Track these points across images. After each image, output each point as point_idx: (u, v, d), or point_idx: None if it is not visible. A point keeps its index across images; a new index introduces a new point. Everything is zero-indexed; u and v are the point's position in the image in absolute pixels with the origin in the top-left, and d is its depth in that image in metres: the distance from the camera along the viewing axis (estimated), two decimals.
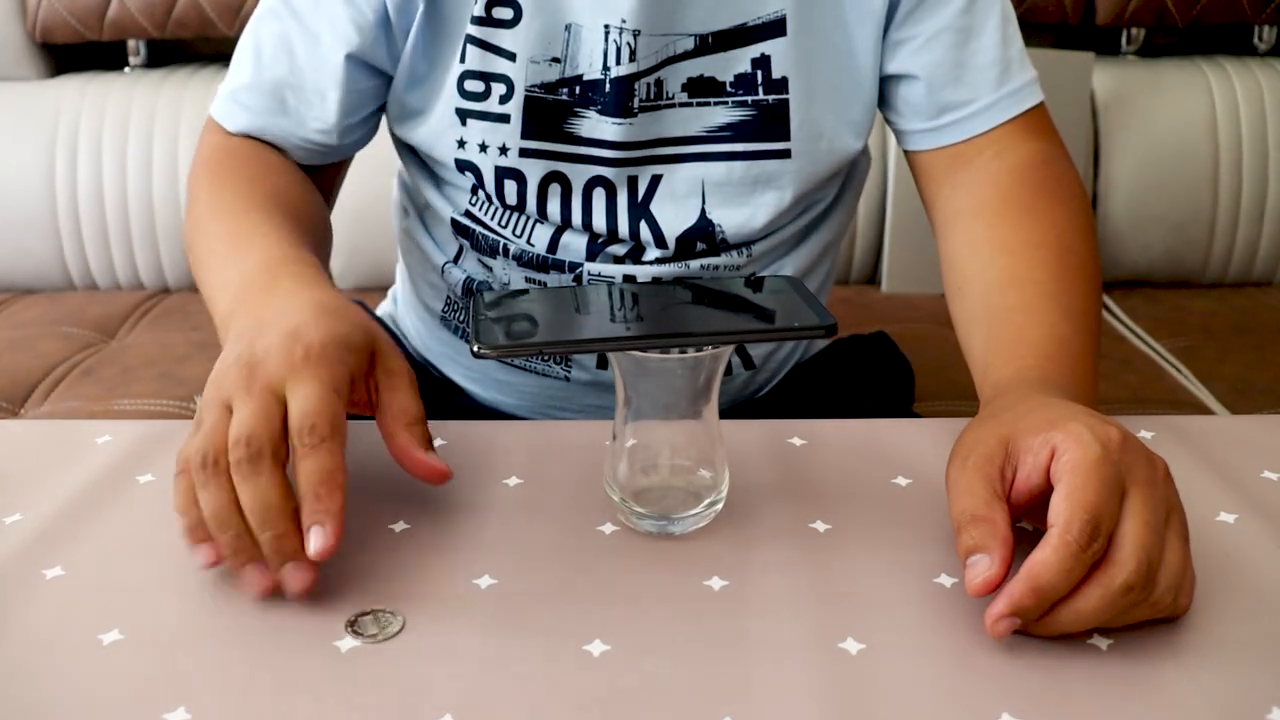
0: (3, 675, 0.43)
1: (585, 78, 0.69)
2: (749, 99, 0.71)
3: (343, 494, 0.46)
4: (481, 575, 0.49)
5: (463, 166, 0.73)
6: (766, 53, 0.70)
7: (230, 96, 0.74)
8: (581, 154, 0.71)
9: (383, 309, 0.94)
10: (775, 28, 0.70)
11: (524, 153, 0.71)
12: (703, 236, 0.73)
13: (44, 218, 1.53)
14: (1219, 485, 0.56)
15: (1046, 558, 0.42)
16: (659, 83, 0.70)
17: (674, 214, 0.72)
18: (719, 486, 0.52)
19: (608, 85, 0.69)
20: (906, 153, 0.77)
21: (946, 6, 0.71)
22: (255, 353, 0.49)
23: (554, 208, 0.73)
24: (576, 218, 0.73)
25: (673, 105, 0.70)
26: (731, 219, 0.73)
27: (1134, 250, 1.53)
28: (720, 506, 0.52)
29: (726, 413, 0.55)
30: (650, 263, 0.74)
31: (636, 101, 0.69)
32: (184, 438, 0.49)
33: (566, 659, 0.43)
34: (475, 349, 0.47)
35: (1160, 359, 1.32)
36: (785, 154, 0.72)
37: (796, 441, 0.61)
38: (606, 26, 0.68)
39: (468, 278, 0.78)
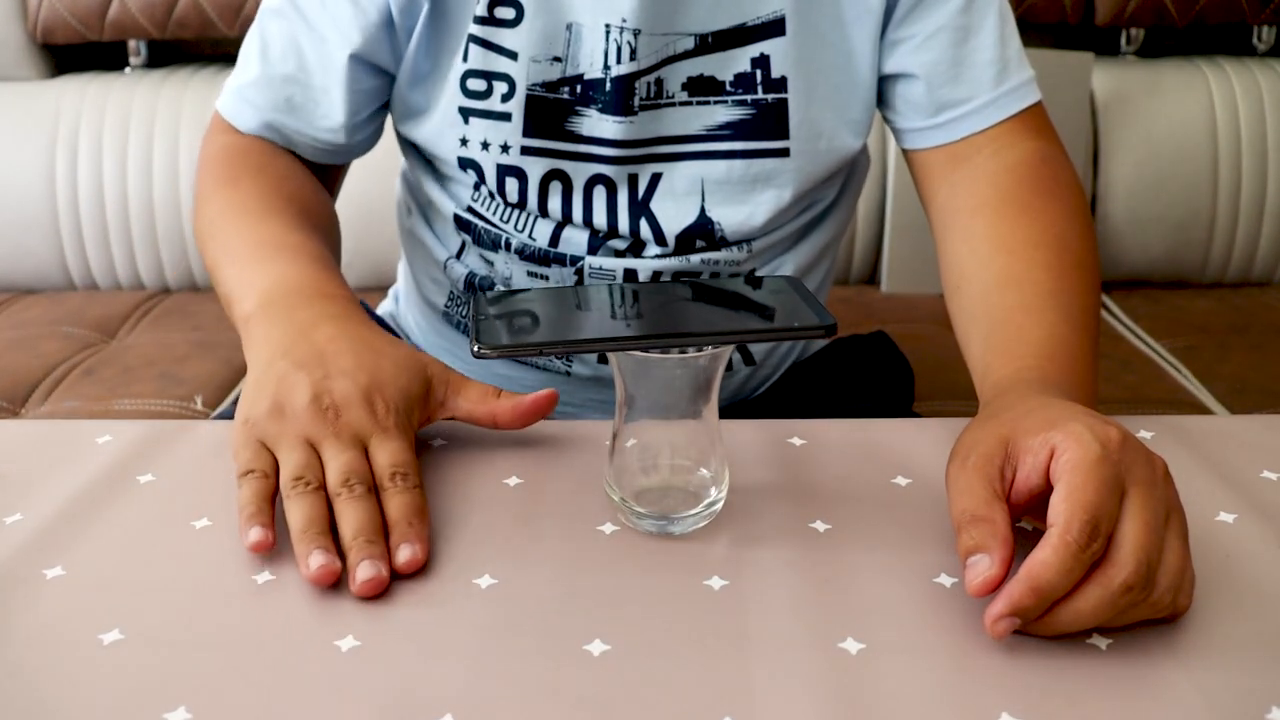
0: (3, 675, 0.43)
1: (586, 77, 0.70)
2: (748, 98, 0.71)
3: (428, 525, 0.51)
4: (481, 575, 0.49)
5: (465, 164, 0.73)
6: (766, 52, 0.70)
7: (238, 93, 0.74)
8: (582, 152, 0.71)
9: (383, 308, 0.94)
10: (774, 27, 0.70)
11: (525, 150, 0.72)
12: (702, 234, 0.73)
13: (44, 218, 1.53)
14: (1218, 485, 0.56)
15: (1046, 558, 0.42)
16: (659, 82, 0.70)
17: (674, 211, 0.73)
18: (719, 486, 0.52)
19: (608, 84, 0.69)
20: (905, 152, 0.77)
21: (944, 6, 0.71)
22: (335, 397, 0.53)
23: (555, 204, 0.73)
24: (577, 214, 0.73)
25: (673, 104, 0.71)
26: (731, 217, 0.73)
27: (1134, 250, 1.53)
28: (720, 506, 0.52)
29: (726, 411, 0.55)
30: (651, 257, 0.74)
31: (637, 100, 0.70)
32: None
33: (566, 659, 0.43)
34: (475, 349, 0.48)
35: (1160, 359, 1.32)
36: (784, 153, 0.72)
37: (796, 441, 0.61)
38: (607, 26, 0.69)
39: (470, 272, 0.78)
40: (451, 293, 0.81)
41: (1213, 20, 1.55)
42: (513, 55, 0.70)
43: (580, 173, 0.72)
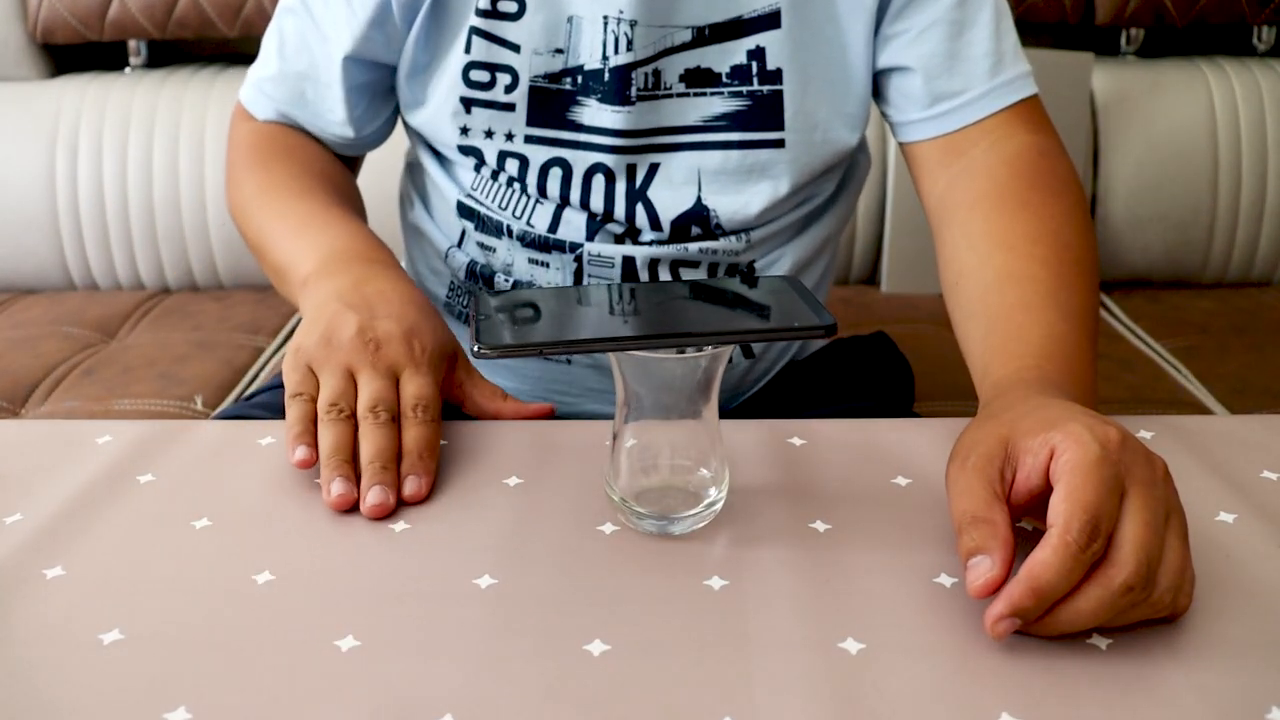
0: (3, 675, 0.43)
1: (586, 67, 0.72)
2: (744, 89, 0.72)
3: (436, 460, 0.57)
4: (481, 575, 0.49)
5: (466, 151, 0.76)
6: (761, 45, 0.72)
7: (256, 85, 0.80)
8: (583, 141, 0.73)
9: None
10: (770, 20, 0.71)
11: (529, 139, 0.74)
12: (698, 220, 0.74)
13: (44, 218, 1.53)
14: (1218, 485, 0.56)
15: (1046, 558, 0.42)
16: (656, 73, 0.71)
17: (670, 199, 0.74)
18: (719, 486, 0.52)
19: (607, 74, 0.71)
20: (902, 146, 0.78)
21: (938, 0, 0.71)
22: (377, 333, 0.60)
23: (554, 188, 0.74)
24: (575, 198, 0.74)
25: (670, 95, 0.72)
26: (727, 205, 0.74)
27: (1134, 250, 1.53)
28: (720, 506, 0.52)
29: (726, 411, 0.55)
30: (647, 243, 0.75)
31: (635, 90, 0.71)
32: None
33: (566, 659, 0.43)
34: (476, 348, 0.48)
35: (1160, 359, 1.32)
36: (779, 144, 0.73)
37: (796, 441, 0.61)
38: (605, 17, 0.70)
39: (471, 261, 0.79)
40: (452, 283, 0.82)
41: (1213, 20, 1.55)
42: (515, 48, 0.72)
43: (580, 161, 0.74)
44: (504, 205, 0.76)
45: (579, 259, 0.75)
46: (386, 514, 0.53)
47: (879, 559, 0.50)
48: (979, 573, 0.43)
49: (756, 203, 0.74)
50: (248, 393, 1.25)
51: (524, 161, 0.74)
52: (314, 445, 0.56)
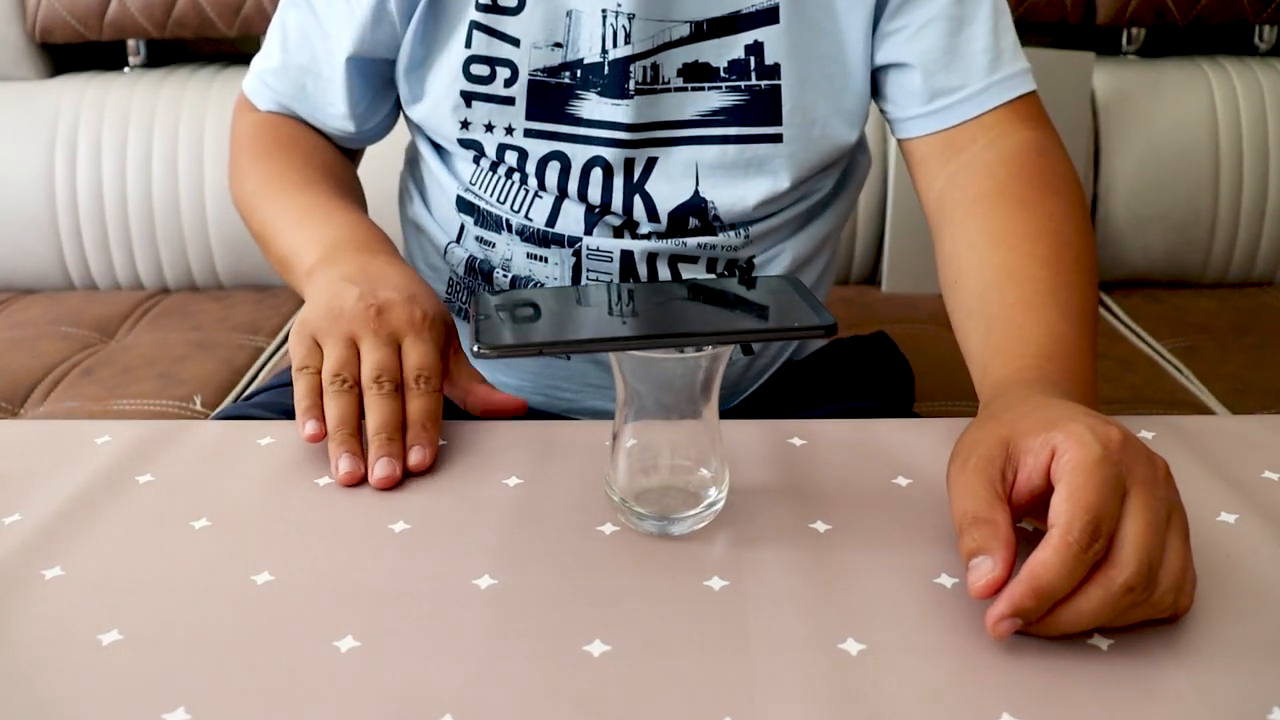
0: (3, 675, 0.43)
1: (585, 61, 0.72)
2: (742, 84, 0.72)
3: (439, 430, 0.59)
4: (481, 575, 0.49)
5: (466, 144, 0.76)
6: (759, 39, 0.72)
7: (259, 77, 0.81)
8: (582, 135, 0.73)
9: None
10: (768, 15, 0.72)
11: (528, 133, 0.74)
12: (696, 213, 0.74)
13: (43, 218, 1.53)
14: (1219, 485, 0.56)
15: (1047, 558, 0.42)
16: (655, 67, 0.72)
17: (668, 192, 0.74)
18: (719, 486, 0.52)
19: (606, 68, 0.71)
20: (901, 143, 0.78)
21: None
22: (379, 300, 0.61)
23: (552, 180, 0.75)
24: (573, 189, 0.74)
25: (668, 89, 0.72)
26: (724, 198, 0.74)
27: (1134, 250, 1.53)
28: (720, 506, 0.52)
29: (726, 411, 0.55)
30: (645, 236, 0.75)
31: (633, 84, 0.71)
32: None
33: (566, 659, 0.43)
34: (476, 348, 0.48)
35: (1160, 359, 1.32)
36: (777, 138, 0.73)
37: (796, 441, 0.61)
38: (604, 11, 0.71)
39: (470, 256, 0.79)
40: (451, 279, 0.82)
41: (1214, 19, 1.55)
42: (515, 42, 0.72)
43: (579, 154, 0.74)
44: (503, 199, 0.76)
45: (577, 254, 0.75)
46: (393, 485, 0.55)
47: (879, 559, 0.50)
48: (980, 573, 0.43)
49: (754, 196, 0.74)
50: (247, 393, 1.25)
51: (523, 154, 0.75)
52: (322, 419, 0.57)
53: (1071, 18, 1.54)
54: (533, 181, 0.75)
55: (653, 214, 0.74)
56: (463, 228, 0.80)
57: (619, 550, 0.51)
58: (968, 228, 0.69)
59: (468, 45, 0.72)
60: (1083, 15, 1.55)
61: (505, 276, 0.78)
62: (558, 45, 0.72)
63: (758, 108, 0.73)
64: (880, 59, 0.74)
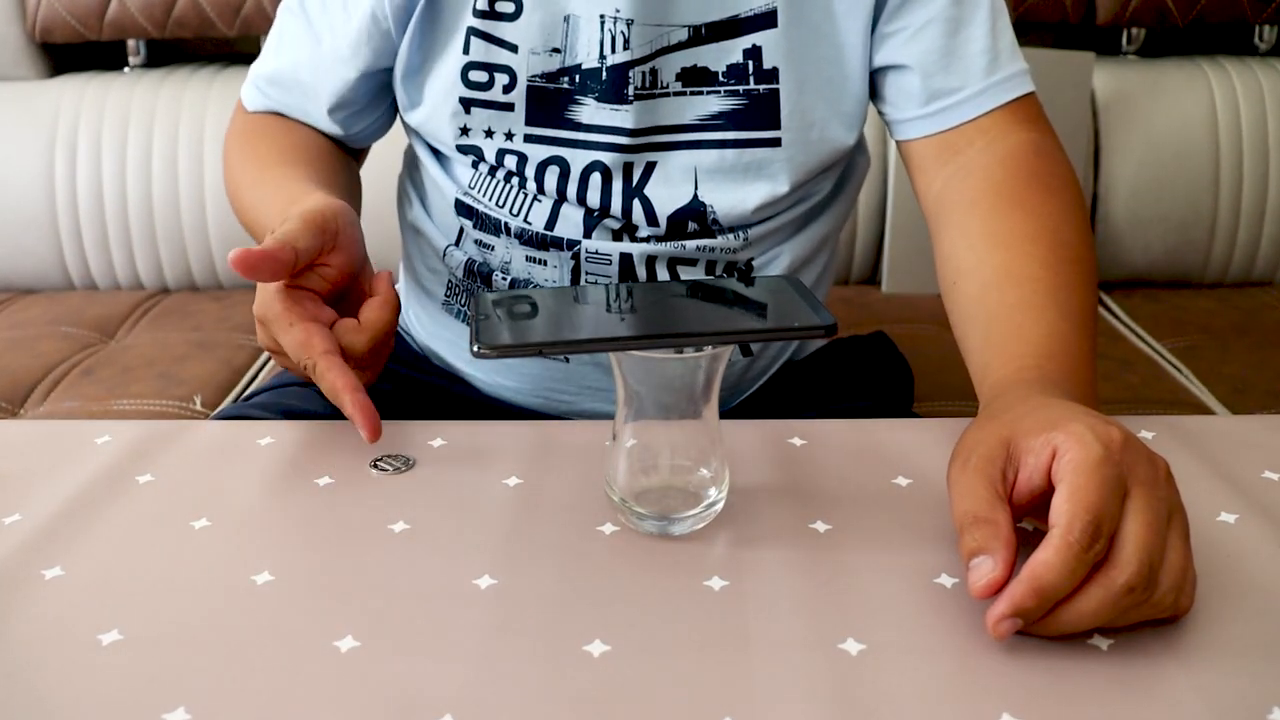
0: (3, 675, 0.43)
1: (584, 66, 0.72)
2: (740, 88, 0.72)
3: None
4: (481, 575, 0.49)
5: (465, 150, 0.76)
6: (758, 43, 0.72)
7: (254, 82, 0.82)
8: (581, 140, 0.73)
9: None
10: (766, 19, 0.71)
11: (528, 138, 0.74)
12: (695, 217, 0.74)
13: (43, 218, 1.53)
14: (1220, 485, 0.56)
15: (1048, 559, 0.42)
16: (654, 72, 0.72)
17: (667, 196, 0.74)
18: (719, 486, 0.52)
19: (604, 73, 0.71)
20: (899, 145, 0.78)
21: None
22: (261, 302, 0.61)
23: (551, 184, 0.74)
24: (572, 193, 0.74)
25: (667, 94, 0.72)
26: (723, 201, 0.74)
27: (1134, 250, 1.53)
28: (720, 507, 0.52)
29: (726, 411, 0.55)
30: (644, 240, 0.75)
31: (632, 89, 0.71)
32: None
33: (566, 659, 0.43)
34: (475, 349, 0.47)
35: (1160, 359, 1.32)
36: (776, 142, 0.73)
37: (796, 441, 0.61)
38: (602, 16, 0.71)
39: (469, 259, 0.79)
40: (450, 282, 0.82)
41: (1214, 19, 1.55)
42: (513, 48, 0.72)
43: (579, 159, 0.74)
44: (502, 203, 0.76)
45: (576, 256, 0.75)
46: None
47: (879, 559, 0.50)
48: (981, 573, 0.43)
49: (753, 200, 0.74)
50: (247, 393, 1.25)
51: (523, 158, 0.75)
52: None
53: (1071, 18, 1.54)
54: (531, 185, 0.75)
55: (652, 218, 0.74)
56: (461, 231, 0.80)
57: (619, 550, 0.51)
58: (966, 229, 0.69)
59: (465, 51, 0.72)
60: (1083, 15, 1.55)
61: (504, 279, 0.78)
62: (555, 51, 0.72)
63: (756, 112, 0.73)
64: (878, 61, 0.74)
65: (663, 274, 0.75)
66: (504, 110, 0.73)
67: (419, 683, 0.42)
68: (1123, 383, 1.24)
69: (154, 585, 0.48)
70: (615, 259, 0.75)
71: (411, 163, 0.86)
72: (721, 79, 0.72)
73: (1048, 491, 0.45)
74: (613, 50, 0.71)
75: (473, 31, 0.72)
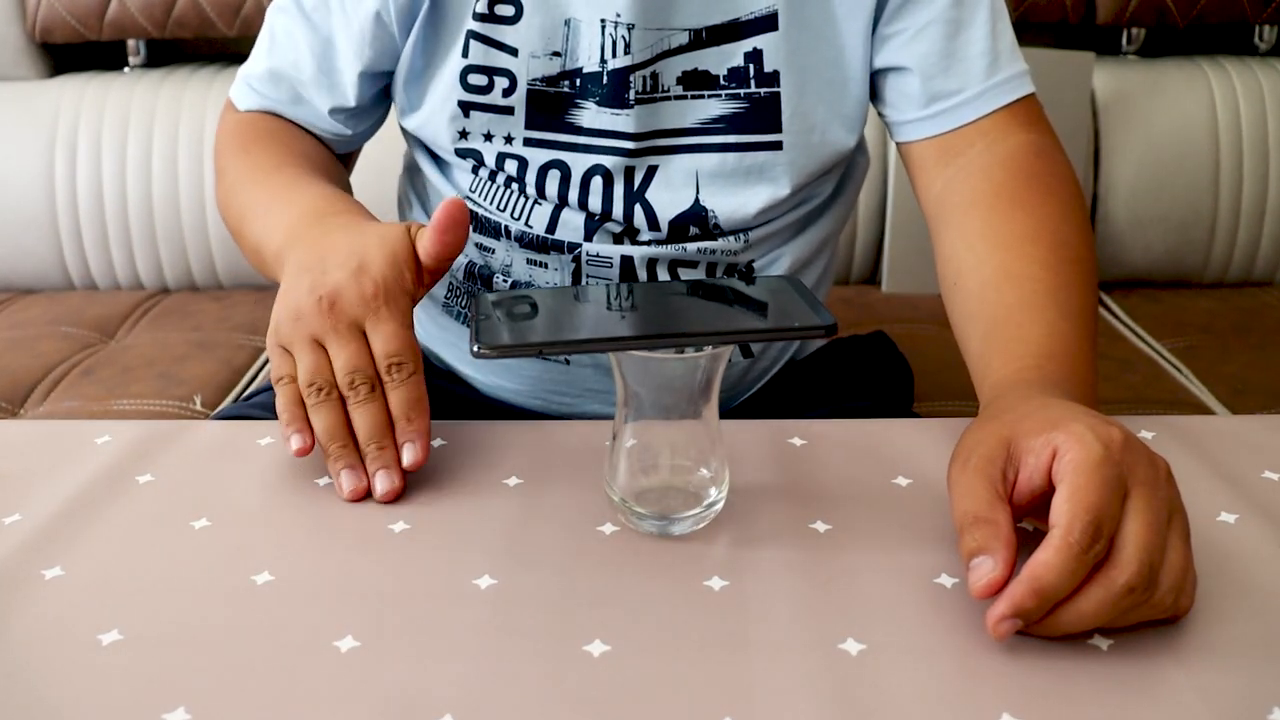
0: (3, 675, 0.43)
1: (584, 70, 0.72)
2: (741, 92, 0.72)
3: (428, 416, 0.57)
4: (481, 575, 0.49)
5: (464, 154, 0.76)
6: (759, 47, 0.72)
7: (245, 81, 0.81)
8: (582, 144, 0.73)
9: None
10: (767, 22, 0.71)
11: (528, 142, 0.74)
12: (696, 221, 0.74)
13: (43, 218, 1.53)
14: (1220, 485, 0.56)
15: (1048, 559, 0.42)
16: (654, 75, 0.71)
17: (668, 200, 0.74)
18: (719, 486, 0.52)
19: (605, 77, 0.71)
20: (899, 146, 0.78)
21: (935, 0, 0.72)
22: (328, 289, 0.57)
23: (552, 189, 0.74)
24: (574, 198, 0.74)
25: (668, 98, 0.72)
26: (724, 205, 0.74)
27: (1134, 250, 1.52)
28: (720, 507, 0.52)
29: (726, 411, 0.55)
30: (646, 243, 0.75)
31: (633, 93, 0.71)
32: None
33: (566, 659, 0.43)
34: (475, 349, 0.47)
35: (1160, 359, 1.32)
36: (777, 145, 0.73)
37: (796, 441, 0.61)
38: (603, 20, 0.70)
39: (469, 262, 0.79)
40: (450, 283, 0.82)
41: (1214, 19, 1.55)
42: (513, 51, 0.72)
43: (579, 163, 0.73)
44: (502, 206, 0.76)
45: (577, 259, 0.75)
46: (398, 495, 0.55)
47: (879, 559, 0.50)
48: (981, 573, 0.43)
49: (755, 203, 0.74)
50: (247, 393, 1.25)
51: (523, 163, 0.74)
52: (307, 431, 0.56)
53: (1071, 18, 1.54)
54: (532, 190, 0.75)
55: (653, 222, 0.74)
56: None
57: (619, 550, 0.51)
58: (966, 230, 0.69)
59: (465, 55, 0.72)
60: (1083, 15, 1.54)
61: (505, 281, 0.78)
62: (556, 54, 0.71)
63: (757, 115, 0.72)
64: (879, 63, 0.74)
65: (663, 276, 0.75)
66: (503, 114, 0.73)
67: (419, 683, 0.42)
68: (1123, 383, 1.24)
69: (154, 585, 0.48)
70: (616, 261, 0.75)
71: (411, 168, 0.86)
72: (722, 82, 0.72)
73: (1048, 492, 0.45)
74: (614, 54, 0.70)
75: (472, 35, 0.72)
